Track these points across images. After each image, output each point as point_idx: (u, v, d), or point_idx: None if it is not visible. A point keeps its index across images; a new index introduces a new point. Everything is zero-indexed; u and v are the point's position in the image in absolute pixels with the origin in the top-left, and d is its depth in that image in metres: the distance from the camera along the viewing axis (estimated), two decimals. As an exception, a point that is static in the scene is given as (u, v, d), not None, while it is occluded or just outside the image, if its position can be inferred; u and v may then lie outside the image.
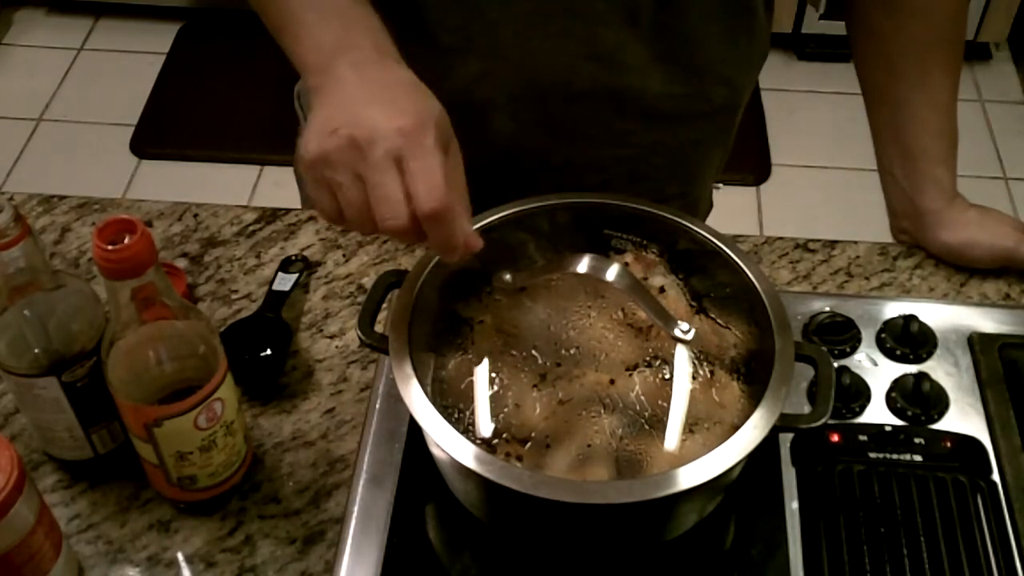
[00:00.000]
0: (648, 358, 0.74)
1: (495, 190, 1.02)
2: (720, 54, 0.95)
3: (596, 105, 0.95)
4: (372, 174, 0.64)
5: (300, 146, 0.68)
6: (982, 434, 0.85)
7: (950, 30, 0.99)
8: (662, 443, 0.70)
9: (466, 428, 0.70)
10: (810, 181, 2.48)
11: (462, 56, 0.90)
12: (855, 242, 1.03)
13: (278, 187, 2.35)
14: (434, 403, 0.69)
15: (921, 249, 1.02)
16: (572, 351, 0.74)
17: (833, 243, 1.03)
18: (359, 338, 0.74)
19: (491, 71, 0.91)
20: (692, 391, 0.72)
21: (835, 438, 0.84)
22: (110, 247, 0.65)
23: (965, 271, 1.00)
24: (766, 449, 0.69)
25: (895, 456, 0.83)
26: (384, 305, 0.77)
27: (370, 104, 0.66)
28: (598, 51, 0.90)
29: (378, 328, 0.75)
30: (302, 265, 0.97)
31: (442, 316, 0.76)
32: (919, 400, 0.86)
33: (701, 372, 0.73)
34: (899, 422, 0.86)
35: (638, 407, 0.71)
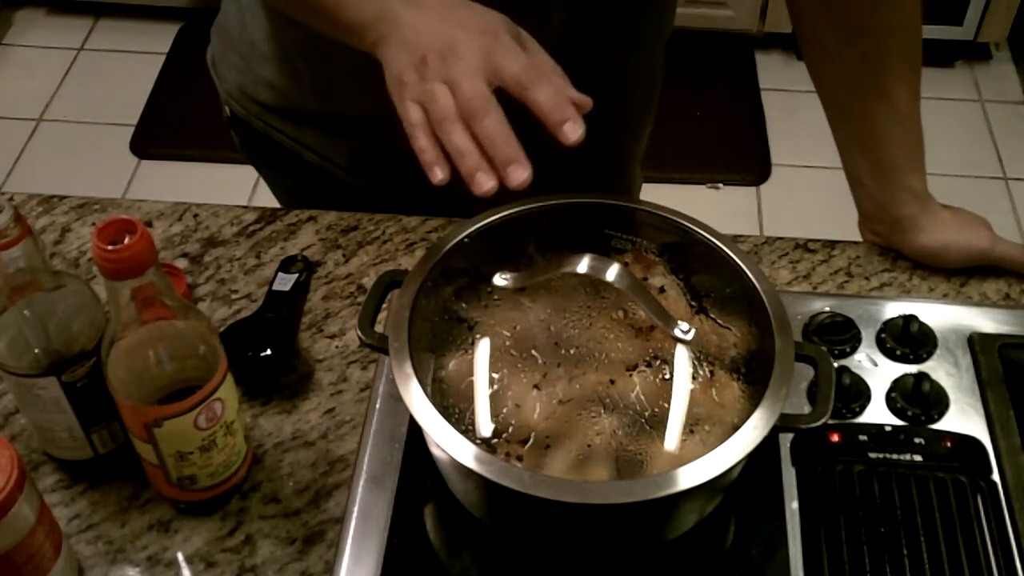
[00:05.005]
0: (648, 358, 0.74)
1: (410, 192, 1.00)
2: (623, 20, 0.96)
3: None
4: (464, 81, 0.69)
5: (394, 80, 0.72)
6: (982, 434, 0.85)
7: (906, 44, 0.97)
8: (662, 443, 0.70)
9: (466, 428, 0.70)
10: (810, 181, 2.48)
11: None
12: (855, 242, 1.03)
13: (278, 187, 2.35)
14: (434, 403, 0.69)
15: None
16: (572, 351, 0.74)
17: (833, 243, 1.03)
18: (359, 338, 0.74)
19: None
20: (692, 391, 0.72)
21: (835, 438, 0.84)
22: (110, 247, 0.65)
23: (965, 271, 1.00)
24: (766, 449, 0.69)
25: (895, 456, 0.83)
26: (384, 305, 0.77)
27: (442, 25, 0.72)
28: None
29: (378, 328, 0.75)
30: (302, 265, 0.97)
31: (442, 316, 0.76)
32: (919, 400, 0.86)
33: (701, 372, 0.73)
34: (899, 422, 0.86)
35: (638, 407, 0.71)
